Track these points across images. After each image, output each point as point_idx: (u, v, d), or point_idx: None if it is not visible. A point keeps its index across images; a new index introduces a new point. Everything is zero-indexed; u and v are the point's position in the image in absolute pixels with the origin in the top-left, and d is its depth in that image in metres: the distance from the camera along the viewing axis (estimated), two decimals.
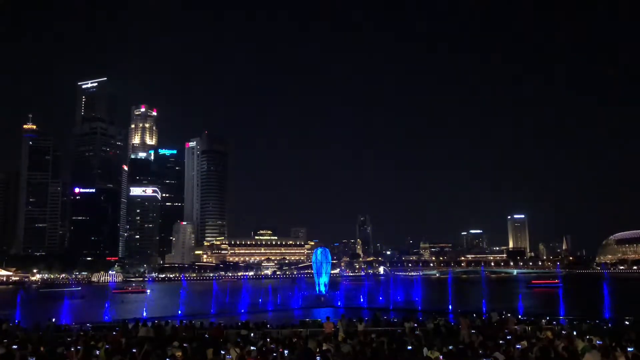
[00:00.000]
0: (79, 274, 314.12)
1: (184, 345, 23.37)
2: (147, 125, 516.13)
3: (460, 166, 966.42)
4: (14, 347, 23.82)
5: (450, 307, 72.24)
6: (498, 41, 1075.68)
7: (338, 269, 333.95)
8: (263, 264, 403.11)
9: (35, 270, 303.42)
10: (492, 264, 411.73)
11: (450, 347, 21.92)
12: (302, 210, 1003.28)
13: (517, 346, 22.25)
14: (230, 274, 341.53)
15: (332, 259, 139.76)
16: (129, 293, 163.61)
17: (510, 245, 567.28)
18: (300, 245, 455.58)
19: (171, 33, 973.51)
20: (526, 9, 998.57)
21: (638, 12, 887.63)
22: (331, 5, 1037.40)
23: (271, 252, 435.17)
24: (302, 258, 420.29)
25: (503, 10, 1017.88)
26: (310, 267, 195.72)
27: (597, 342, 22.57)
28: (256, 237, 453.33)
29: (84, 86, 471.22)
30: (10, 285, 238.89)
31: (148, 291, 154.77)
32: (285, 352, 22.23)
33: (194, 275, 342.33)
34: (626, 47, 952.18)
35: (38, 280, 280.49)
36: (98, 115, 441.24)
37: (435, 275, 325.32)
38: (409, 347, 23.04)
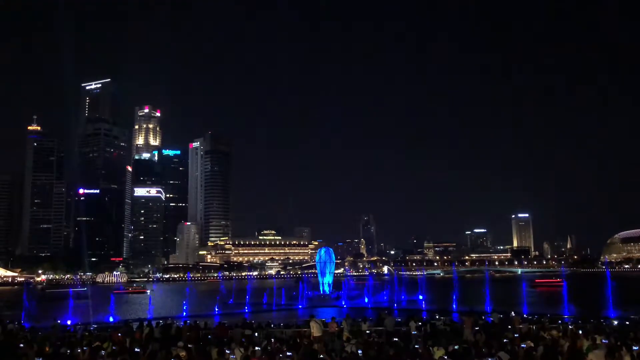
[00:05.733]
0: (83, 275, 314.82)
1: (189, 345, 23.44)
2: (150, 125, 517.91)
3: (464, 165, 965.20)
4: (20, 346, 23.96)
5: (454, 306, 72.04)
6: (499, 42, 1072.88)
7: (342, 269, 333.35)
8: (267, 264, 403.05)
9: (40, 271, 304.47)
10: (497, 263, 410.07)
11: (456, 347, 21.91)
12: (305, 210, 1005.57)
13: (522, 345, 22.21)
14: (234, 274, 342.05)
15: (336, 259, 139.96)
16: (129, 294, 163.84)
17: (515, 244, 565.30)
18: (304, 245, 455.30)
19: (174, 33, 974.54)
20: (527, 10, 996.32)
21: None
22: (332, 4, 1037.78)
23: (275, 252, 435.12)
24: (306, 258, 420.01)
25: (504, 10, 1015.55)
26: (314, 266, 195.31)
27: (603, 340, 22.50)
28: (260, 237, 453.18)
29: (87, 87, 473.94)
30: (16, 286, 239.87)
31: (148, 291, 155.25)
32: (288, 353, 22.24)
33: (198, 275, 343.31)
34: (627, 49, 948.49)
35: (43, 280, 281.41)
36: (102, 116, 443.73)
37: (439, 274, 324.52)
38: (416, 346, 23.03)
